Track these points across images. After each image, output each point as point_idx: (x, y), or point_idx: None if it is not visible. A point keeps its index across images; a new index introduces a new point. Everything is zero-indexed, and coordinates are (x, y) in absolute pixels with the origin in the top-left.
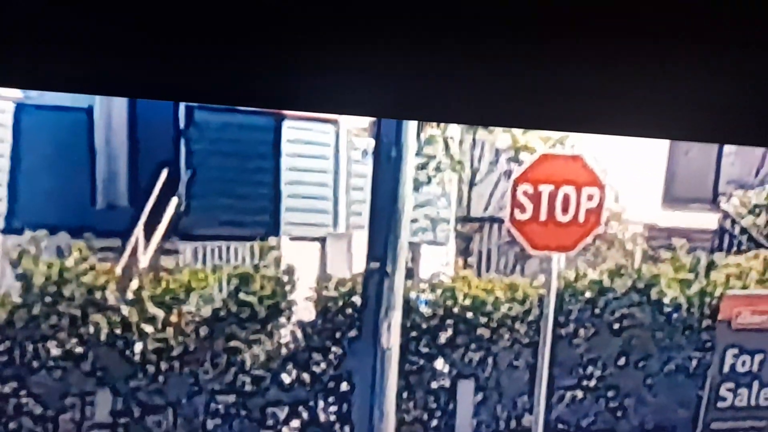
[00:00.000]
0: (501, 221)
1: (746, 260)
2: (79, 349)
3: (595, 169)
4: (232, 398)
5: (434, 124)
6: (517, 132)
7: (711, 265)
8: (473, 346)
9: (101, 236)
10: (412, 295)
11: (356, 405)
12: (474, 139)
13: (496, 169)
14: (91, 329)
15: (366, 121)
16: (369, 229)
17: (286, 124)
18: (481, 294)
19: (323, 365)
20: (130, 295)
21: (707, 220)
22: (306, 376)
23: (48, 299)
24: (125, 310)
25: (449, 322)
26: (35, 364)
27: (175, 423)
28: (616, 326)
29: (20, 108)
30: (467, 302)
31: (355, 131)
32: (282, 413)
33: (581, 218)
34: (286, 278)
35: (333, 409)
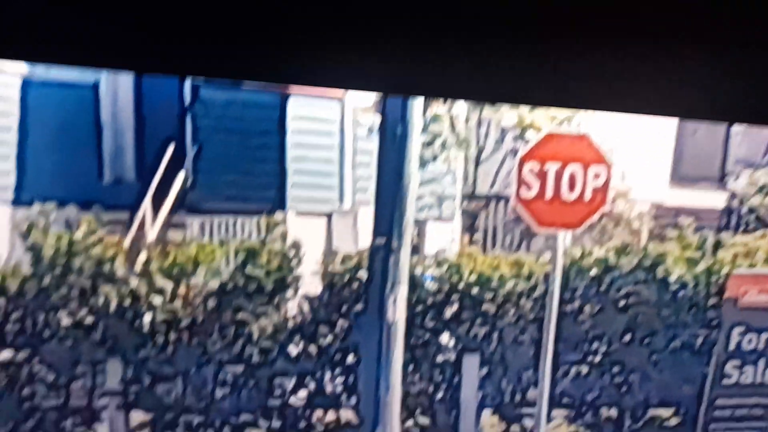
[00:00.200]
0: (507, 199)
1: (754, 239)
2: (89, 320)
3: (602, 148)
4: (239, 369)
5: (440, 101)
6: (524, 110)
7: (718, 244)
8: (478, 321)
9: (109, 209)
10: (418, 270)
11: (362, 377)
12: (480, 117)
13: (503, 147)
14: (101, 300)
15: (371, 98)
16: (375, 206)
17: (291, 102)
18: (486, 270)
19: (330, 338)
20: (138, 268)
21: (715, 199)
22: (313, 349)
23: (58, 271)
24: (134, 282)
25: (455, 297)
26: (47, 333)
27: (184, 392)
28: (622, 303)
29: (28, 84)
30: (473, 278)
31: (360, 108)
32: (289, 384)
33: (587, 196)
34: (292, 253)
35: (339, 380)
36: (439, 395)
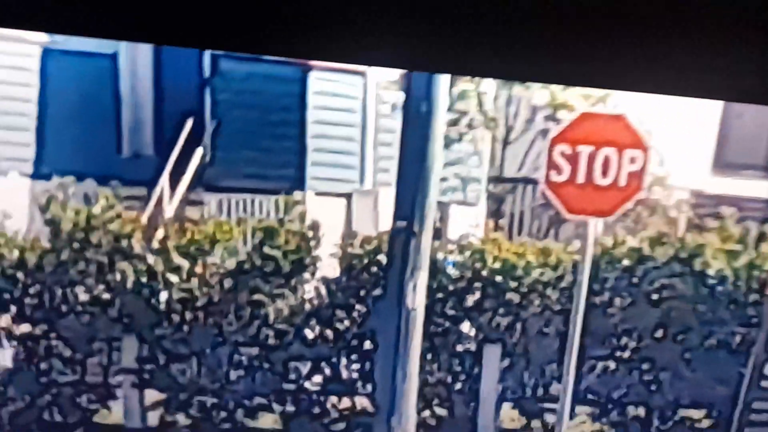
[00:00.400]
0: (536, 182)
1: None
2: (106, 296)
3: (639, 130)
4: (255, 351)
5: (468, 78)
6: (556, 89)
7: (762, 237)
8: (501, 310)
9: (127, 184)
10: (440, 256)
11: (379, 364)
12: (509, 95)
13: (533, 127)
14: (118, 276)
15: (396, 74)
16: (396, 187)
17: (312, 76)
18: (511, 257)
19: (347, 323)
20: (155, 245)
21: (760, 188)
22: (329, 333)
23: (76, 245)
24: (151, 259)
25: (477, 285)
26: (64, 308)
27: (199, 372)
28: (655, 297)
29: (47, 53)
30: (497, 265)
31: (384, 84)
32: (304, 368)
33: (622, 182)
34: (310, 234)
35: (355, 367)
36: (458, 386)
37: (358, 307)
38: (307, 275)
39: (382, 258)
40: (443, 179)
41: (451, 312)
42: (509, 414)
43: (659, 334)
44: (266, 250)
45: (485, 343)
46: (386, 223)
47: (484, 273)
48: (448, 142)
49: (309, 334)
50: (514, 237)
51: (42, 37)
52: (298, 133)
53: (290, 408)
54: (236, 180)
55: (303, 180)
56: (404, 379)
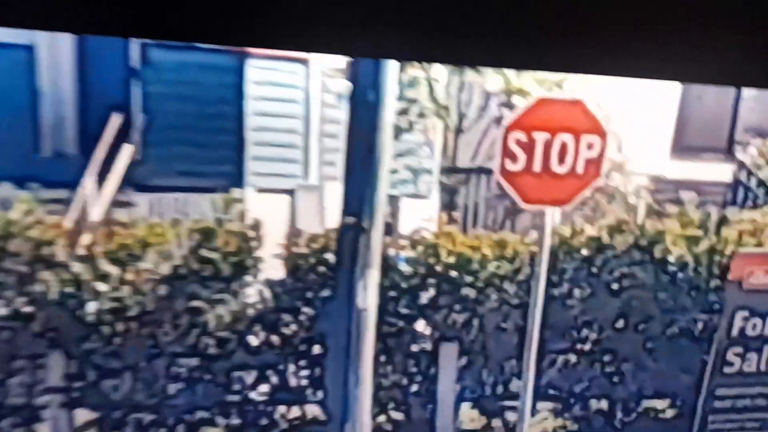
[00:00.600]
0: (490, 172)
1: (762, 216)
2: (28, 309)
3: (597, 115)
4: (194, 362)
5: (417, 64)
6: (511, 74)
7: (722, 221)
8: (457, 307)
9: (48, 187)
10: (391, 252)
11: (330, 370)
12: (462, 82)
13: (486, 114)
14: (41, 287)
15: (341, 61)
16: (343, 181)
17: (250, 64)
18: (466, 251)
19: (294, 327)
20: (81, 251)
21: (720, 172)
22: (275, 339)
23: None
24: (77, 267)
25: (431, 281)
26: None
27: (134, 387)
28: (615, 286)
29: None
30: (451, 260)
31: (328, 72)
32: (249, 378)
33: (579, 169)
34: (252, 233)
35: (304, 373)
36: (414, 388)
37: (305, 310)
38: (249, 278)
39: (330, 257)
40: (393, 171)
41: (404, 311)
42: (469, 414)
43: (620, 324)
44: (204, 252)
45: (441, 342)
46: (333, 219)
47: (438, 268)
48: (397, 133)
49: (253, 340)
50: (468, 230)
51: None
52: (235, 126)
53: (235, 421)
54: (169, 178)
55: (242, 176)
56: (357, 383)
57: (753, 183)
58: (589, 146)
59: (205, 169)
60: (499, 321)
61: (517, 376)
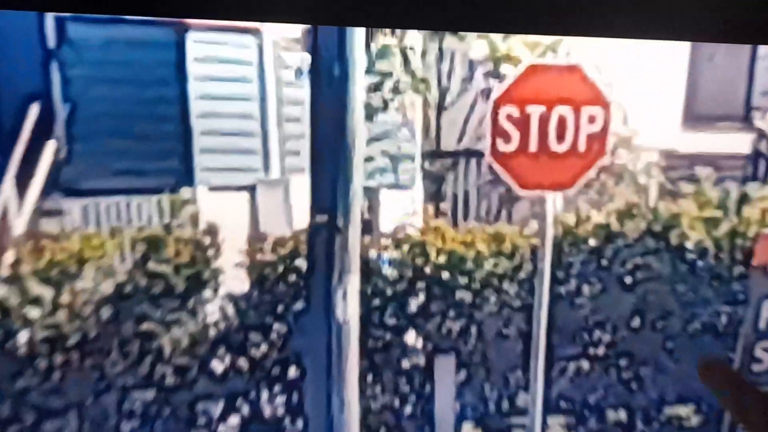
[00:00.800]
0: (480, 155)
1: None
2: None
3: (598, 83)
4: (150, 394)
5: (388, 31)
6: (497, 38)
7: (743, 199)
8: (452, 313)
9: None
10: (372, 254)
11: (309, 394)
12: (441, 49)
13: (471, 87)
14: None
15: (297, 30)
16: (311, 173)
17: (191, 38)
18: (458, 248)
19: (264, 348)
20: (5, 272)
21: (738, 143)
22: (243, 362)
23: None
24: (1, 290)
25: (420, 285)
26: None
27: (81, 428)
28: (628, 280)
29: None
30: (442, 260)
31: (284, 44)
32: (216, 409)
33: (581, 147)
34: (207, 240)
35: (280, 400)
36: (408, 409)
37: (276, 326)
38: (207, 293)
39: (301, 263)
40: (368, 159)
41: (391, 321)
42: None
43: (636, 323)
44: (152, 266)
45: (436, 355)
46: (302, 219)
47: (428, 270)
48: (370, 113)
49: (217, 366)
50: (459, 223)
51: None
52: (178, 112)
53: None
54: (104, 179)
55: (191, 172)
56: (342, 407)
57: None
58: (591, 119)
59: (146, 166)
60: (500, 327)
61: (524, 388)
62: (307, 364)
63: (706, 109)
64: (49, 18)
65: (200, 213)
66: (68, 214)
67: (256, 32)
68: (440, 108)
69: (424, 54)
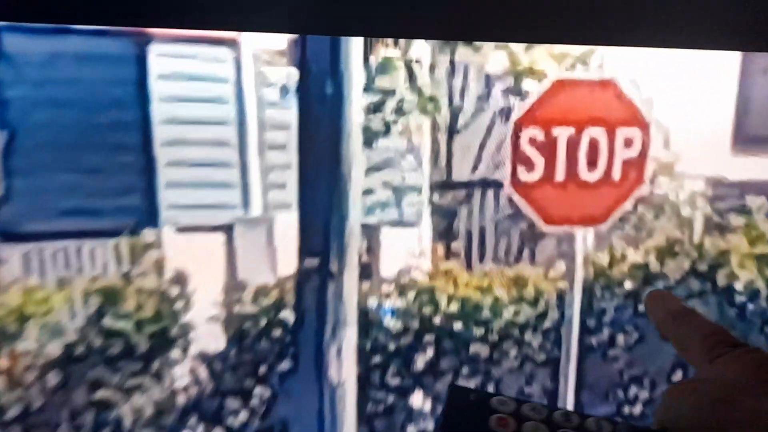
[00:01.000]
0: (499, 185)
1: None
2: None
3: (635, 100)
4: None
5: (390, 41)
6: (518, 48)
7: None
8: (465, 370)
9: None
10: (372, 303)
11: None
12: (452, 63)
13: (488, 106)
14: None
15: (283, 41)
16: (299, 209)
17: (154, 51)
18: (473, 295)
19: (243, 416)
20: None
21: None
22: None
23: None
24: None
25: (428, 338)
26: None
27: None
28: None
29: None
30: (453, 308)
31: (266, 57)
32: None
33: (616, 174)
34: (175, 291)
35: None
36: None
37: (257, 390)
38: (175, 353)
39: (288, 315)
40: (367, 192)
41: (394, 381)
42: None
43: (678, 377)
44: (108, 322)
45: None
46: (289, 263)
47: (437, 320)
48: (369, 137)
49: None
50: (474, 265)
51: None
52: (140, 140)
53: None
54: (50, 220)
55: (155, 211)
56: None
57: None
58: (627, 143)
59: (100, 205)
60: (522, 385)
61: None
62: None
63: (760, 130)
64: None
65: (166, 259)
66: (6, 263)
67: (232, 43)
68: (451, 131)
69: (432, 68)
